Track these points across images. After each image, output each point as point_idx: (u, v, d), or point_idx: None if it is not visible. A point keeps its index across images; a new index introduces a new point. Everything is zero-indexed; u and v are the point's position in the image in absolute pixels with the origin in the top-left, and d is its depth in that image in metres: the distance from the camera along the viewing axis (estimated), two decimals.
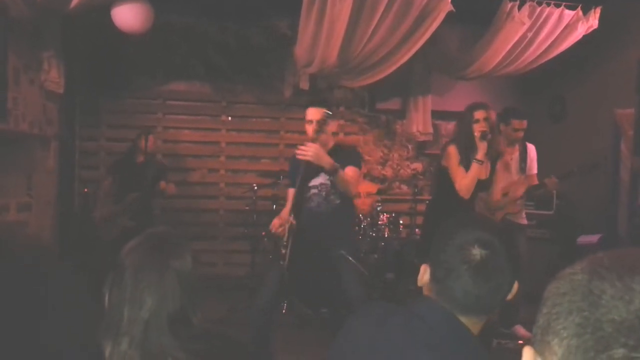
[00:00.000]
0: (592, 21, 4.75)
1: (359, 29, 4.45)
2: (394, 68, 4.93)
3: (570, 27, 4.78)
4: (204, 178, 5.97)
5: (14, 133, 4.23)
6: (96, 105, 5.82)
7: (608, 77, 5.32)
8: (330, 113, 3.16)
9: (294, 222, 3.10)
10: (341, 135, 6.34)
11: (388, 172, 6.42)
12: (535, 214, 5.22)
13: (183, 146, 6.02)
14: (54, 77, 4.70)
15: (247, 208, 5.47)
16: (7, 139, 4.11)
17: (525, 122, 4.23)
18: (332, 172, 3.02)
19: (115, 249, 1.39)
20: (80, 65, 5.45)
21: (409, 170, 6.42)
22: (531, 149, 4.35)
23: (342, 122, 6.35)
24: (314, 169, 3.13)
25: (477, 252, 1.18)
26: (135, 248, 1.30)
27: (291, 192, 3.30)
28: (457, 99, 6.35)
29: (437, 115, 6.38)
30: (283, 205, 3.41)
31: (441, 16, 4.46)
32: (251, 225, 5.36)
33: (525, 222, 4.42)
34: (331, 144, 3.28)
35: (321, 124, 3.09)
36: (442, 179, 3.78)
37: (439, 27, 4.62)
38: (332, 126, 3.33)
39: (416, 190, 5.84)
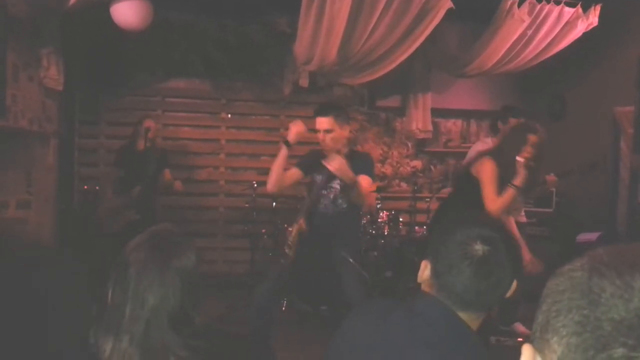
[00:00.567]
0: (592, 19, 4.74)
1: (359, 26, 4.44)
2: (393, 65, 4.92)
3: (570, 24, 4.78)
4: (210, 176, 5.96)
5: (13, 130, 4.23)
6: (95, 102, 5.82)
7: (608, 75, 5.32)
8: (339, 117, 3.20)
9: (304, 225, 3.13)
10: None
11: (388, 169, 6.42)
12: (534, 212, 5.22)
13: (182, 143, 6.02)
14: (53, 74, 4.69)
15: (246, 205, 5.47)
16: (6, 136, 4.11)
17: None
18: (351, 186, 3.04)
19: (120, 242, 1.40)
20: (79, 63, 5.44)
21: (408, 168, 6.42)
22: None
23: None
24: (332, 175, 3.15)
25: (478, 247, 1.19)
26: (138, 246, 1.30)
27: (295, 172, 3.32)
28: (457, 97, 6.36)
29: (437, 112, 6.38)
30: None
31: (441, 13, 4.45)
32: (251, 222, 5.36)
33: (524, 219, 4.42)
34: (345, 149, 3.27)
35: (329, 131, 3.16)
36: (467, 186, 3.55)
37: (439, 25, 4.62)
38: (345, 131, 3.28)
39: (416, 187, 5.84)
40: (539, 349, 0.55)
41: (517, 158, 3.28)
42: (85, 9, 4.15)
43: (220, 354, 1.27)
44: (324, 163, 2.99)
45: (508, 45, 4.88)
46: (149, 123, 4.85)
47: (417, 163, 6.46)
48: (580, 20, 4.74)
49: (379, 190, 5.56)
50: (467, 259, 1.19)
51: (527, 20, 4.66)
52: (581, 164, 4.10)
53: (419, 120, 6.15)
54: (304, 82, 5.48)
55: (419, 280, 1.33)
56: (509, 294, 1.27)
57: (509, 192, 3.31)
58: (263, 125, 6.19)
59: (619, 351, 0.47)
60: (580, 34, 4.81)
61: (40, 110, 4.75)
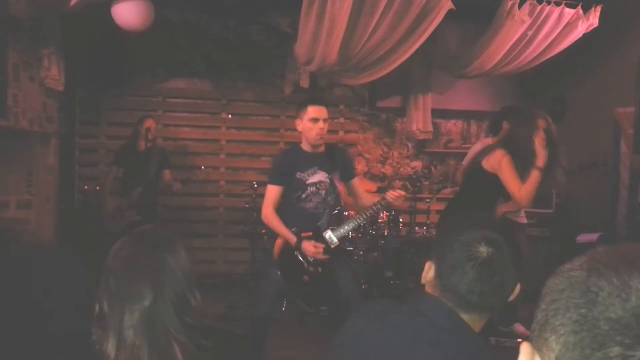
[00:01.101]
0: (593, 20, 4.74)
1: (360, 26, 4.45)
2: (394, 66, 4.92)
3: (570, 25, 4.78)
4: (208, 176, 5.97)
5: (14, 130, 4.23)
6: (96, 102, 5.83)
7: (608, 76, 5.32)
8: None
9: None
10: (341, 134, 6.35)
11: (388, 170, 6.42)
12: (535, 213, 5.22)
13: (183, 144, 6.02)
14: (54, 74, 4.70)
15: (247, 206, 5.47)
16: (7, 135, 4.12)
17: None
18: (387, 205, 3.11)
19: None
20: (80, 63, 5.45)
21: (408, 169, 6.42)
22: None
23: (342, 120, 6.36)
24: (317, 169, 3.13)
25: (483, 249, 1.19)
26: (123, 248, 1.31)
27: (277, 190, 3.15)
28: (458, 98, 6.36)
29: (438, 113, 6.38)
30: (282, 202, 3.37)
31: (441, 14, 4.46)
32: (251, 222, 5.36)
33: (524, 220, 4.42)
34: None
35: (326, 121, 3.12)
36: (482, 182, 3.48)
37: (440, 25, 4.62)
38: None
39: (416, 188, 5.84)
40: (537, 348, 0.56)
41: (534, 139, 3.26)
42: (86, 9, 4.16)
43: (222, 352, 1.27)
44: (388, 199, 3.04)
45: (508, 46, 4.88)
46: (149, 123, 4.85)
47: (418, 164, 6.46)
48: (580, 21, 4.74)
49: (379, 191, 5.57)
50: (471, 260, 1.20)
51: (528, 21, 4.66)
52: (582, 165, 4.10)
53: (419, 121, 6.15)
54: (305, 82, 5.48)
55: (423, 281, 1.34)
56: (512, 297, 1.27)
57: (534, 175, 3.27)
58: (263, 126, 6.19)
59: (615, 350, 0.48)
60: (581, 35, 4.81)
61: (41, 110, 4.75)
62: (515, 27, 4.71)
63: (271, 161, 3.39)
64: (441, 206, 5.09)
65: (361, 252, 4.97)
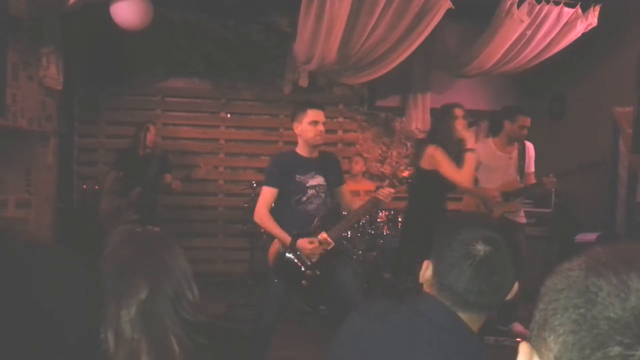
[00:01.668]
0: (591, 19, 4.74)
1: (359, 25, 4.45)
2: (393, 65, 4.92)
3: (569, 25, 4.78)
4: (208, 175, 5.97)
5: (13, 129, 4.23)
6: (95, 101, 5.82)
7: (607, 76, 5.33)
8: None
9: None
10: (340, 133, 6.35)
11: (387, 169, 6.42)
12: (534, 212, 5.22)
13: (182, 143, 6.02)
14: (53, 73, 4.69)
15: (246, 205, 5.47)
16: (6, 135, 4.12)
17: (529, 120, 4.21)
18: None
19: None
20: (79, 62, 5.44)
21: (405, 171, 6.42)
22: (530, 147, 4.31)
23: (340, 119, 6.36)
24: (315, 173, 3.15)
25: (481, 248, 1.20)
26: (120, 245, 1.31)
27: (273, 192, 3.13)
28: (457, 97, 6.34)
29: (437, 113, 6.37)
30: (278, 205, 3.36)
31: (441, 13, 4.46)
32: (250, 222, 5.35)
33: (523, 220, 4.42)
34: None
35: (323, 124, 3.15)
36: (425, 181, 3.69)
37: (439, 24, 4.62)
38: None
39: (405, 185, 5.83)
40: (536, 347, 0.56)
41: (456, 126, 3.64)
42: (85, 8, 4.15)
43: (221, 350, 1.28)
44: (379, 197, 3.10)
45: (507, 45, 4.89)
46: (150, 130, 4.85)
47: None
48: (579, 21, 4.74)
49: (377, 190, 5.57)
50: (469, 258, 1.19)
51: (527, 21, 4.67)
52: (581, 164, 4.10)
53: (418, 120, 6.15)
54: (304, 81, 5.48)
55: (421, 280, 1.34)
56: (510, 296, 1.28)
57: (468, 157, 3.58)
58: (262, 125, 6.19)
59: (615, 349, 0.48)
60: (580, 34, 4.82)
61: (40, 109, 4.75)
62: (514, 26, 4.71)
63: (267, 163, 3.37)
64: None
65: (360, 252, 4.97)
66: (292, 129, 3.26)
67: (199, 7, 5.49)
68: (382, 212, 5.29)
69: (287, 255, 3.09)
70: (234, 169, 6.17)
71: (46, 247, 1.33)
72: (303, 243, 3.04)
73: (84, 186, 5.47)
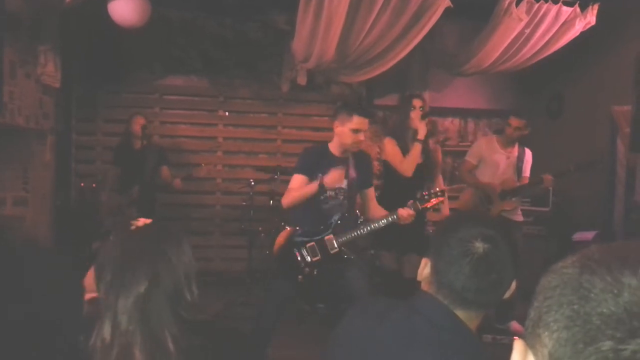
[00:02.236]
0: (590, 18, 4.74)
1: (357, 23, 4.44)
2: (391, 64, 4.92)
3: (567, 23, 4.78)
4: (209, 174, 5.97)
5: (10, 127, 4.22)
6: (93, 99, 5.81)
7: (605, 74, 5.33)
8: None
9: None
10: None
11: None
12: (531, 211, 5.23)
13: (179, 141, 6.01)
14: (50, 70, 4.68)
15: (244, 203, 5.47)
16: (3, 132, 4.11)
17: (523, 122, 4.30)
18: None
19: None
20: (77, 59, 5.43)
21: None
22: (528, 153, 4.48)
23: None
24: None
25: (479, 245, 1.19)
26: (126, 238, 1.31)
27: (302, 180, 3.13)
28: (455, 96, 6.36)
29: (435, 111, 6.36)
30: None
31: (439, 12, 4.45)
32: (248, 220, 5.36)
33: (521, 218, 4.44)
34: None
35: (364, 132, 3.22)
36: (385, 172, 3.96)
37: (437, 23, 4.62)
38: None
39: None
40: (530, 344, 0.56)
41: (412, 115, 3.79)
42: (82, 5, 4.14)
43: (217, 348, 1.27)
44: (398, 215, 3.06)
45: (506, 44, 4.88)
46: (140, 120, 4.86)
47: None
48: (577, 20, 4.74)
49: (375, 188, 5.57)
50: (467, 256, 1.19)
51: (525, 19, 4.67)
52: (579, 163, 4.13)
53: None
54: (302, 79, 5.47)
55: (419, 277, 1.34)
56: (508, 295, 1.28)
57: (414, 147, 3.73)
58: (260, 123, 6.18)
59: (607, 344, 0.48)
60: (578, 33, 4.82)
61: (38, 107, 4.74)
62: (512, 25, 4.71)
63: (301, 153, 3.40)
64: None
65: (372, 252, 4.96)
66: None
67: (196, 5, 5.48)
68: None
69: (292, 250, 3.09)
70: (232, 167, 6.16)
71: (38, 248, 1.33)
72: (332, 174, 3.09)
73: (82, 184, 5.46)
